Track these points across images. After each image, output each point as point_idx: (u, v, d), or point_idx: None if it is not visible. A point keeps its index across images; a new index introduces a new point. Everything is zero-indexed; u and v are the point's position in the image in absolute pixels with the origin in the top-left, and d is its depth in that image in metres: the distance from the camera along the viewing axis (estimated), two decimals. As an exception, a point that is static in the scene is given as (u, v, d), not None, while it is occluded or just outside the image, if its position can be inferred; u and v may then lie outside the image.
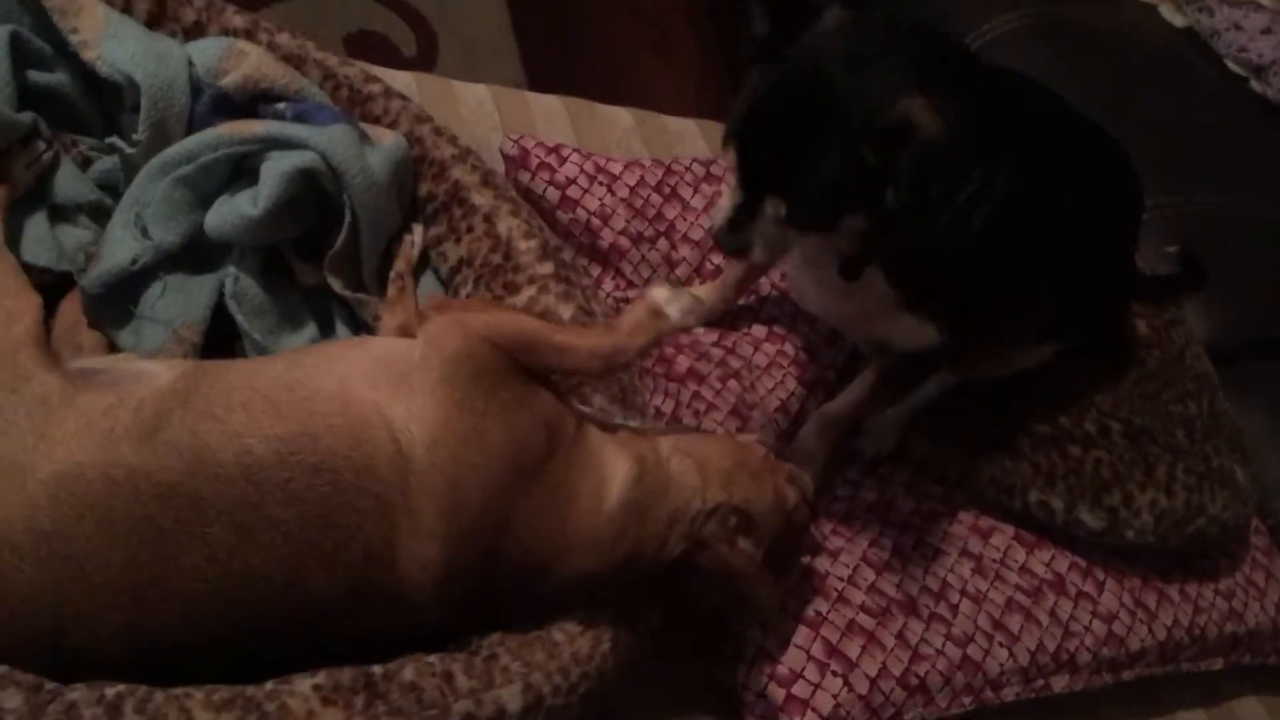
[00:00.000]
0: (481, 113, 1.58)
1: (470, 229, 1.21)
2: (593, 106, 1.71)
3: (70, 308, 1.14)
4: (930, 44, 1.01)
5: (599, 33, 2.96)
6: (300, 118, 1.14)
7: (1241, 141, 2.27)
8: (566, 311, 1.15)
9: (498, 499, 0.92)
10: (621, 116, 1.73)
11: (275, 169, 1.08)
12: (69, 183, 1.14)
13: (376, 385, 0.91)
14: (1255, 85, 2.34)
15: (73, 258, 1.14)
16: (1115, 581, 1.35)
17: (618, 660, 0.99)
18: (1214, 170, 2.16)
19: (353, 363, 0.94)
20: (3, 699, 0.79)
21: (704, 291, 1.41)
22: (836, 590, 1.23)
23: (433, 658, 0.94)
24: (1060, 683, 1.28)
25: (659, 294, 1.02)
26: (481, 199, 1.21)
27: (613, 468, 0.98)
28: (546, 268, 1.18)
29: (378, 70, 1.36)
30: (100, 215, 1.17)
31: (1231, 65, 2.36)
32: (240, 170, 1.12)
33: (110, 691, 0.83)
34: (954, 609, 1.26)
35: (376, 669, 0.91)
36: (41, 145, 1.14)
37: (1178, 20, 2.42)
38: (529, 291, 1.17)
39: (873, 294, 1.13)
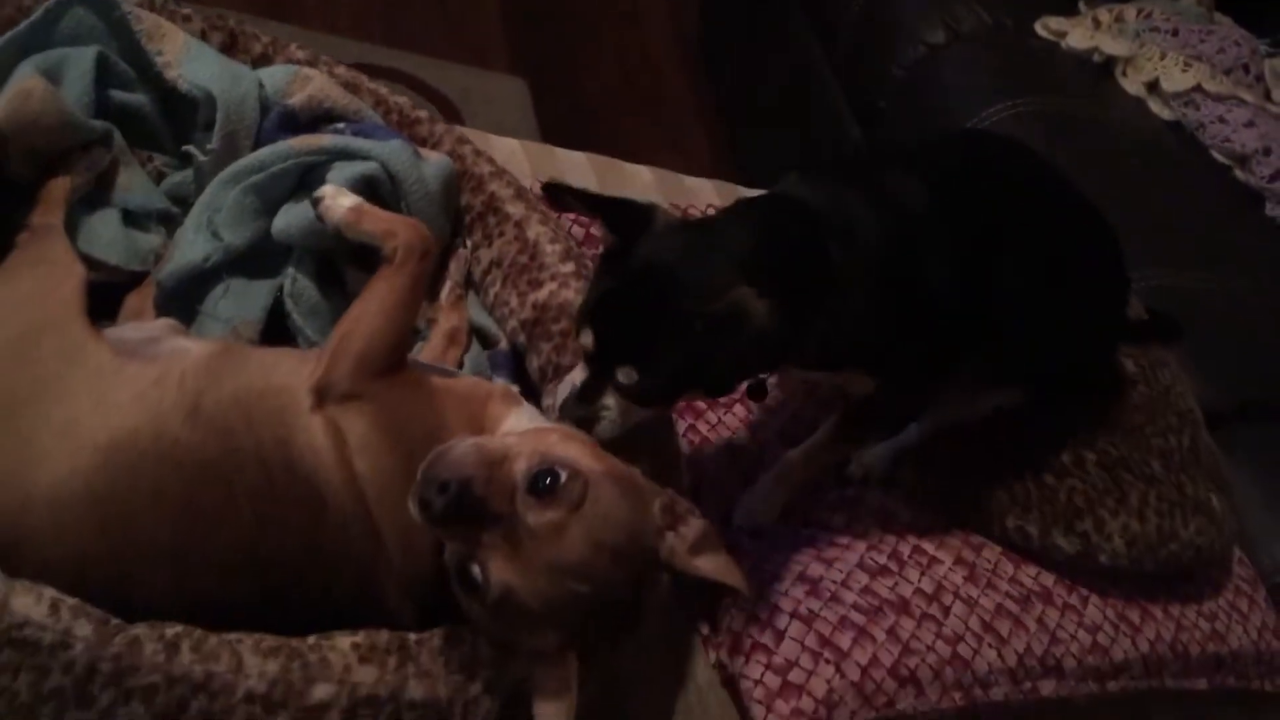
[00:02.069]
0: (513, 162, 1.71)
1: (502, 234, 1.33)
2: (616, 163, 1.85)
3: (134, 300, 1.24)
4: (766, 229, 1.11)
5: (615, 121, 3.16)
6: (359, 135, 1.27)
7: (1226, 225, 2.40)
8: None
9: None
10: (641, 173, 1.86)
11: (341, 175, 1.21)
12: (141, 191, 1.25)
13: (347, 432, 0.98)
14: (1239, 174, 2.48)
15: (144, 258, 1.25)
16: (1099, 598, 1.42)
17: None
18: (1200, 250, 2.28)
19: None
20: (75, 627, 0.87)
21: None
22: (830, 591, 1.31)
23: (464, 630, 0.99)
24: (1048, 687, 1.34)
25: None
26: (514, 209, 1.34)
27: None
28: (569, 267, 1.30)
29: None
30: (170, 223, 1.29)
31: (1217, 155, 2.50)
32: (305, 181, 1.24)
33: (170, 631, 0.91)
34: (946, 610, 1.33)
35: (411, 636, 0.97)
36: (102, 150, 1.24)
37: (1165, 114, 2.57)
38: (550, 286, 1.28)
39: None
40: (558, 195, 1.09)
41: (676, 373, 1.06)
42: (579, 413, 1.08)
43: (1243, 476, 1.80)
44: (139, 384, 0.98)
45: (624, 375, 1.05)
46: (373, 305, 1.05)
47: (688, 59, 3.47)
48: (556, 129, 3.00)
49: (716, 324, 1.00)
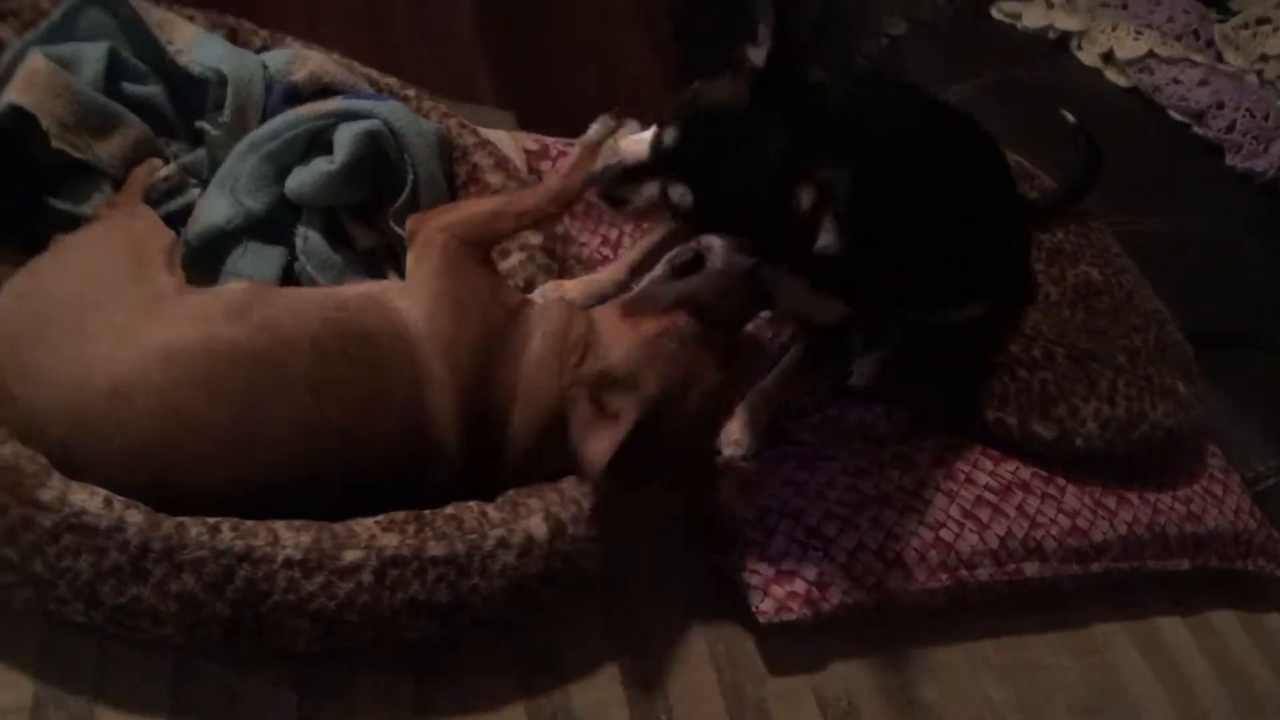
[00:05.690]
0: (501, 145, 1.84)
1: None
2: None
3: None
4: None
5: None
6: (360, 101, 1.40)
7: (1188, 175, 2.51)
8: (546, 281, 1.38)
9: (478, 355, 1.13)
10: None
11: (348, 131, 1.33)
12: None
13: (385, 291, 1.17)
14: (1197, 129, 2.60)
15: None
16: (1077, 486, 1.52)
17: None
18: (1165, 199, 2.39)
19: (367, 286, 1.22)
20: (127, 516, 0.97)
21: (606, 274, 1.47)
22: (815, 491, 1.39)
23: (471, 502, 1.12)
24: (1031, 568, 1.42)
25: (593, 133, 1.27)
26: (494, 178, 1.45)
27: (534, 328, 1.18)
28: (537, 238, 1.42)
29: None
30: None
31: (1174, 114, 2.62)
32: (313, 145, 1.36)
33: (211, 519, 1.00)
34: (927, 502, 1.42)
35: (426, 511, 1.09)
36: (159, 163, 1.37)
37: (1122, 81, 2.69)
38: (518, 256, 1.40)
39: (785, 284, 1.30)
40: None
41: (732, 221, 1.11)
42: (614, 190, 1.12)
43: (1214, 398, 1.90)
44: (191, 306, 1.10)
45: (678, 194, 1.08)
46: (499, 199, 1.29)
47: (669, 75, 3.62)
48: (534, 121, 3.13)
49: (815, 190, 1.02)
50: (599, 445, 1.07)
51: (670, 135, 1.09)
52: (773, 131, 1.07)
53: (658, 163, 1.10)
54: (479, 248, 1.21)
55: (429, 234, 1.19)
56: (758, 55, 1.07)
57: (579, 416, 1.09)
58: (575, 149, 1.26)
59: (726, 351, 1.21)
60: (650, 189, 1.11)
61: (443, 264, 1.16)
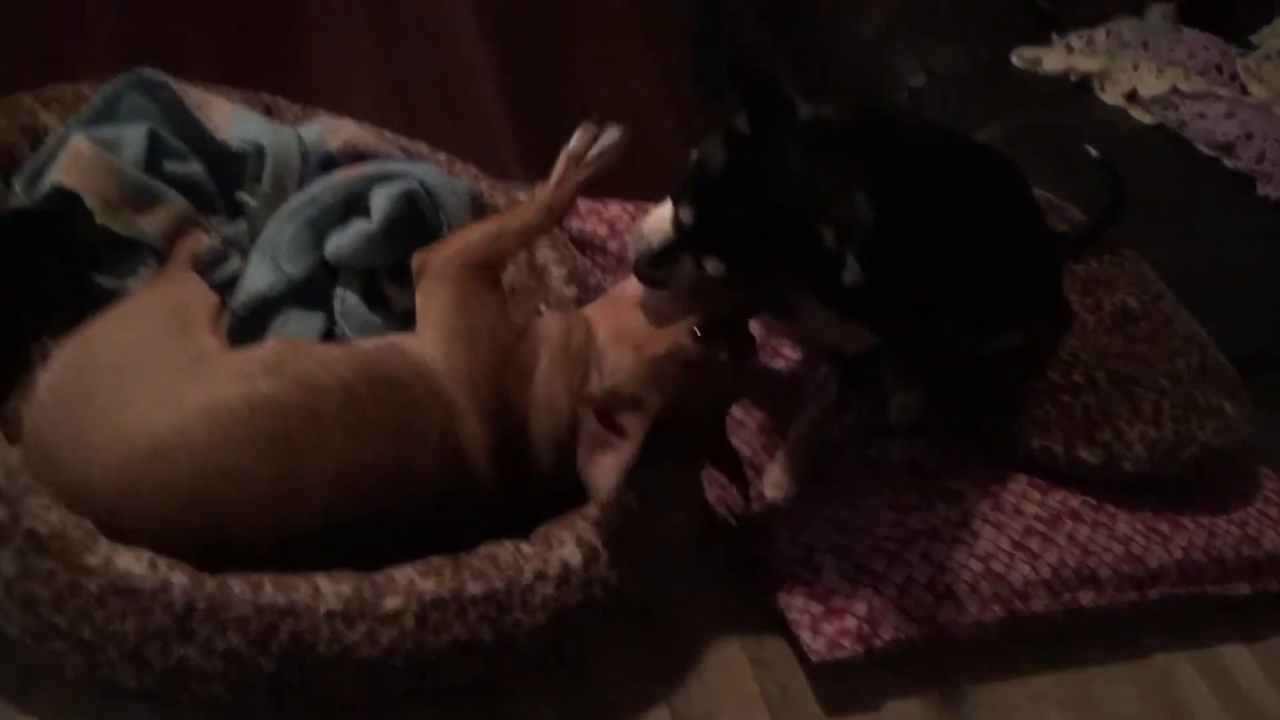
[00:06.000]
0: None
1: (514, 258, 1.45)
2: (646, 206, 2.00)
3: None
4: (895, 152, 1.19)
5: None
6: (392, 168, 1.43)
7: (1221, 207, 2.49)
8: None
9: (494, 380, 1.16)
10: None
11: (385, 192, 1.36)
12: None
13: (399, 338, 1.21)
14: (1227, 162, 2.58)
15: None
16: (1128, 513, 1.49)
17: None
18: (1198, 230, 2.37)
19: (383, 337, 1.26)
20: (171, 577, 0.99)
21: None
22: (861, 527, 1.38)
23: (505, 541, 1.13)
24: (1086, 597, 1.40)
25: (576, 142, 1.29)
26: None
27: (540, 344, 1.21)
28: (571, 291, 1.45)
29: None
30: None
31: (1203, 148, 2.61)
32: (350, 209, 1.40)
33: (253, 576, 1.02)
34: (975, 534, 1.40)
35: (461, 555, 1.10)
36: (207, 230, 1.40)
37: (1147, 119, 2.69)
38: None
39: (811, 311, 1.29)
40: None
41: (767, 273, 1.12)
42: (653, 275, 1.15)
43: (1263, 423, 1.86)
44: (230, 364, 1.13)
45: (711, 265, 1.10)
46: (497, 219, 1.31)
47: (690, 133, 3.67)
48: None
49: (835, 226, 1.03)
50: (604, 471, 1.08)
51: (687, 214, 1.11)
52: (776, 183, 1.09)
53: (684, 241, 1.13)
54: (487, 271, 1.25)
55: (438, 267, 1.22)
56: (742, 122, 1.10)
57: (586, 434, 1.10)
58: (560, 159, 1.30)
59: (733, 350, 1.20)
60: (685, 266, 1.14)
61: (454, 297, 1.20)
